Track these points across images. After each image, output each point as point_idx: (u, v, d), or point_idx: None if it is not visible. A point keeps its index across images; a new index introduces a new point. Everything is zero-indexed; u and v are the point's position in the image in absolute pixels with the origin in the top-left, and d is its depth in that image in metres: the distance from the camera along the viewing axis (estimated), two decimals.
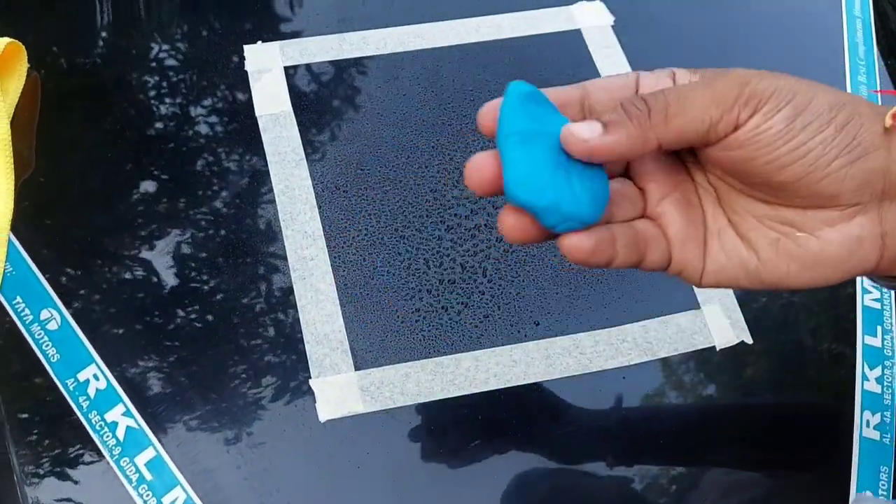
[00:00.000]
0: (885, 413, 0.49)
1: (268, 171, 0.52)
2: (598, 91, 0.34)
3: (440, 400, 0.46)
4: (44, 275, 0.48)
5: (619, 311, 0.50)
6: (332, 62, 0.57)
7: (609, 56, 0.59)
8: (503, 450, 0.46)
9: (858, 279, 0.53)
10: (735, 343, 0.49)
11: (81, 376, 0.45)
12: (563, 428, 0.46)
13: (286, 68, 0.57)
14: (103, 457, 0.43)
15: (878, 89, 0.62)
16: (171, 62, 0.57)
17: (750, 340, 0.49)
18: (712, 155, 0.32)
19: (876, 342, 0.51)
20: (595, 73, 0.59)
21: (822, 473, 0.48)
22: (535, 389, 0.47)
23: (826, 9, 0.66)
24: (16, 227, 0.47)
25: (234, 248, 0.50)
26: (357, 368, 0.46)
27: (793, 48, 0.63)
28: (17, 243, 0.48)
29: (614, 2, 0.62)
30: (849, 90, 0.62)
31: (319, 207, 0.51)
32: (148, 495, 0.42)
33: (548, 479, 0.45)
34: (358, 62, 0.58)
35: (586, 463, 0.46)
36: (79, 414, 0.44)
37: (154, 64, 0.57)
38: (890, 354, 0.51)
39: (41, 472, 0.43)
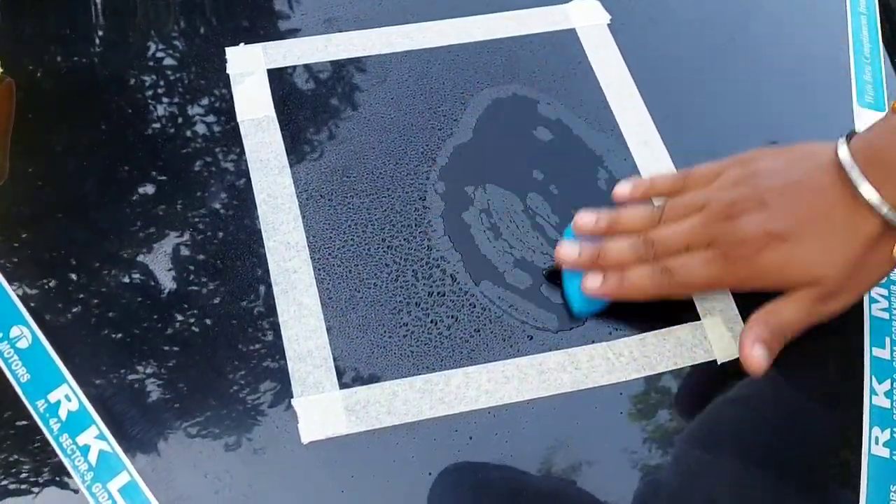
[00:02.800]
0: (894, 429, 0.47)
1: (249, 179, 0.50)
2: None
3: (429, 419, 0.44)
4: (14, 290, 0.46)
5: (616, 325, 0.48)
6: (317, 64, 0.55)
7: (605, 57, 0.57)
8: (495, 471, 0.44)
9: None
10: (737, 356, 0.47)
11: (52, 397, 0.43)
12: (558, 447, 0.44)
13: (269, 71, 0.54)
14: (75, 483, 0.41)
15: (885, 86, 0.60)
16: (150, 65, 0.55)
17: None
18: None
19: (884, 354, 0.49)
20: (590, 74, 0.57)
21: (829, 493, 0.46)
22: (529, 407, 0.45)
23: (830, 7, 0.64)
24: None
25: (214, 262, 0.48)
26: (342, 387, 0.44)
27: (796, 46, 0.61)
28: None
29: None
30: (854, 88, 0.60)
31: (303, 217, 0.49)
32: None
33: (542, 500, 0.43)
34: (344, 64, 0.56)
35: (583, 482, 0.44)
36: (49, 437, 0.42)
37: (133, 69, 0.55)
38: None
39: (8, 500, 0.41)
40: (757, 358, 0.42)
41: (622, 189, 0.48)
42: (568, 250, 0.46)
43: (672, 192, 0.47)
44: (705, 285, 0.43)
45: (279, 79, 0.54)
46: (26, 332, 0.45)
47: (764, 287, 0.42)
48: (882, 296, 0.51)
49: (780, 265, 0.41)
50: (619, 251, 0.45)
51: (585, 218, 0.46)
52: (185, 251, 0.48)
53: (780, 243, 0.41)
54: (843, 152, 0.40)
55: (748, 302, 0.49)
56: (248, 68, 0.55)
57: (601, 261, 0.45)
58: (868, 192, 0.39)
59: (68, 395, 0.43)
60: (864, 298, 0.51)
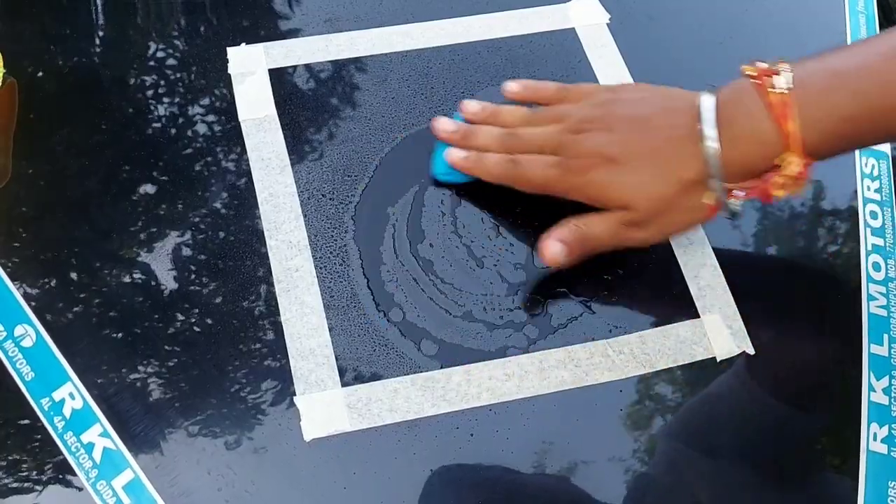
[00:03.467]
0: (892, 425, 0.47)
1: (251, 178, 0.50)
2: None
3: (431, 416, 0.44)
4: (18, 289, 0.46)
5: (616, 322, 0.48)
6: (318, 64, 0.56)
7: (604, 56, 0.58)
8: (496, 468, 0.44)
9: (864, 287, 0.51)
10: (736, 353, 0.48)
11: (57, 395, 0.43)
12: (558, 444, 0.45)
13: (270, 71, 0.55)
14: (79, 480, 0.42)
15: None
16: (151, 65, 0.55)
17: (752, 350, 0.48)
18: None
19: (882, 351, 0.49)
20: (591, 74, 0.57)
21: (827, 489, 0.46)
22: (530, 404, 0.45)
23: (828, 5, 0.64)
24: None
25: (217, 260, 0.48)
26: (344, 384, 0.45)
27: (795, 45, 0.61)
28: None
29: None
30: None
31: (305, 216, 0.49)
32: None
33: (543, 496, 0.44)
34: (345, 64, 0.56)
35: (583, 480, 0.44)
36: (53, 435, 0.42)
37: (135, 69, 0.55)
38: None
39: (14, 496, 0.41)
40: (552, 250, 0.46)
41: (511, 87, 0.52)
42: (446, 125, 0.51)
43: (552, 100, 0.50)
44: (541, 184, 0.47)
45: (280, 78, 0.55)
46: (30, 331, 0.45)
47: (587, 200, 0.46)
48: (880, 293, 0.51)
49: (603, 184, 0.45)
50: (486, 136, 0.50)
51: (473, 106, 0.52)
52: (187, 250, 0.48)
53: (610, 165, 0.44)
54: (707, 103, 0.43)
55: (748, 300, 0.49)
56: (250, 68, 0.55)
57: (470, 140, 0.50)
58: (711, 144, 0.42)
59: (72, 394, 0.43)
60: (863, 296, 0.51)
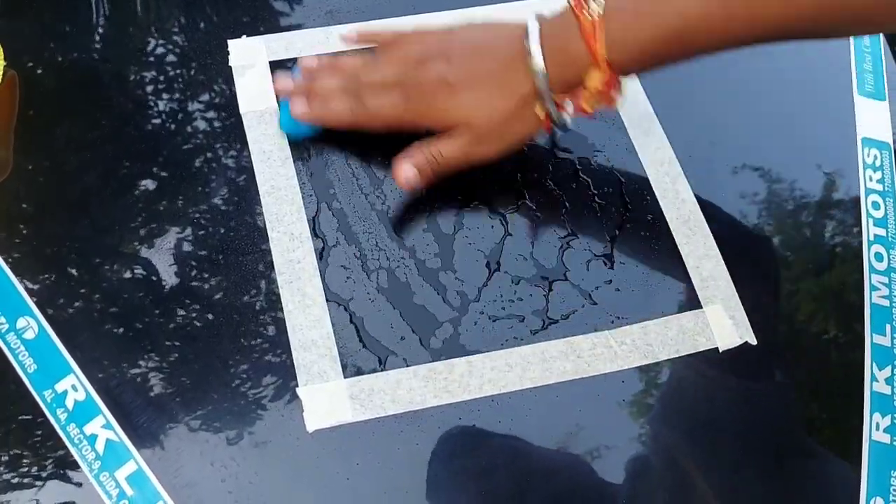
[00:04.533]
0: (895, 415, 0.47)
1: (252, 171, 0.50)
2: None
3: (433, 407, 0.44)
4: (20, 281, 0.46)
5: (618, 313, 0.48)
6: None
7: None
8: (499, 458, 0.44)
9: (866, 277, 0.51)
10: (738, 344, 0.48)
11: (59, 387, 0.43)
12: (560, 435, 0.45)
13: (271, 63, 0.55)
14: (82, 472, 0.42)
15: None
16: (152, 59, 0.55)
17: (754, 341, 0.48)
18: None
19: (885, 341, 0.49)
20: None
21: (830, 479, 0.46)
22: (532, 395, 0.45)
23: (834, 45, 0.63)
24: None
25: (219, 252, 0.48)
26: (346, 375, 0.45)
27: (801, 88, 0.60)
28: None
29: None
30: (854, 78, 0.60)
31: (306, 207, 0.49)
32: None
33: (545, 487, 0.44)
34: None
35: (585, 470, 0.44)
36: (56, 427, 0.42)
37: (135, 63, 0.55)
38: None
39: (16, 488, 0.41)
40: (406, 174, 0.49)
41: (349, 34, 0.54)
42: (283, 80, 0.53)
43: (389, 43, 0.52)
44: (388, 119, 0.49)
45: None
46: (32, 323, 0.45)
47: (433, 125, 0.49)
48: (882, 283, 0.51)
49: (445, 107, 0.48)
50: (327, 83, 0.51)
51: (310, 60, 0.53)
52: (188, 243, 0.48)
53: (451, 91, 0.48)
54: (532, 24, 0.47)
55: (751, 291, 0.49)
56: (250, 60, 0.55)
57: (311, 90, 0.51)
58: (536, 59, 0.46)
59: (75, 385, 0.43)
60: (866, 286, 0.51)
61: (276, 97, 0.53)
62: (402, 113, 0.49)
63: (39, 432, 0.43)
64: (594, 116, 0.48)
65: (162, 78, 0.54)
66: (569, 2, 0.47)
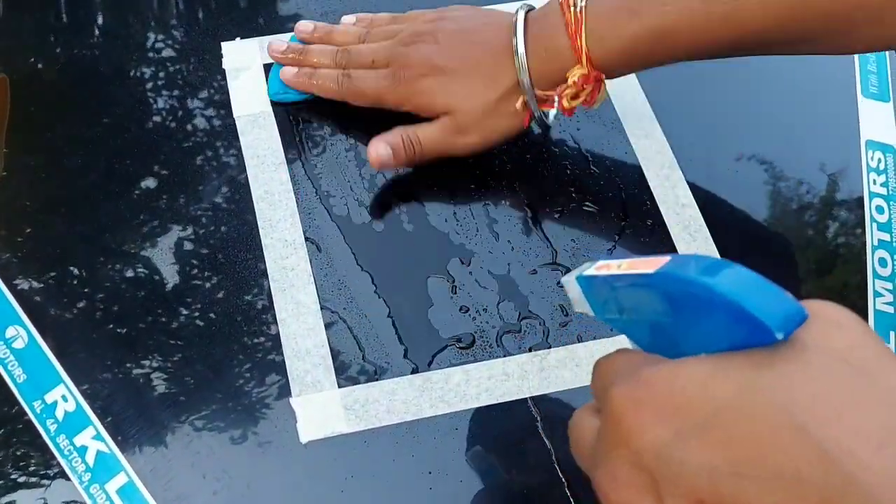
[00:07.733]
0: None
1: (246, 175, 0.50)
2: None
3: (429, 417, 0.44)
4: (10, 290, 0.45)
5: None
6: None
7: None
8: (496, 470, 0.43)
9: (870, 283, 0.50)
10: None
11: (49, 398, 0.43)
12: (559, 445, 0.44)
13: (266, 66, 0.54)
14: (72, 484, 0.41)
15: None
16: (147, 59, 0.54)
17: None
18: None
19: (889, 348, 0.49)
20: None
21: None
22: (530, 405, 0.45)
23: (838, 64, 0.62)
24: None
25: (212, 259, 0.47)
26: (340, 385, 0.44)
27: (805, 107, 0.59)
28: None
29: None
30: (858, 78, 0.59)
31: (300, 213, 0.49)
32: None
33: (545, 498, 0.43)
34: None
35: (585, 480, 0.44)
36: (46, 438, 0.42)
37: (132, 64, 0.54)
38: None
39: (6, 501, 0.41)
40: (380, 152, 0.48)
41: (347, 19, 0.55)
42: (277, 45, 0.53)
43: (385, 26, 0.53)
44: (373, 96, 0.50)
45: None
46: (22, 333, 0.44)
47: (416, 109, 0.49)
48: (886, 289, 0.51)
49: (430, 92, 0.48)
50: (318, 53, 0.52)
51: (307, 25, 0.54)
52: (180, 251, 0.48)
53: (437, 75, 0.48)
54: (520, 18, 0.47)
55: None
56: (245, 63, 0.54)
57: (304, 59, 0.52)
58: (521, 54, 0.46)
59: (65, 396, 0.43)
60: (869, 292, 0.50)
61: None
62: (386, 93, 0.49)
63: (29, 444, 0.42)
64: (573, 115, 0.48)
65: (159, 78, 0.54)
66: None
